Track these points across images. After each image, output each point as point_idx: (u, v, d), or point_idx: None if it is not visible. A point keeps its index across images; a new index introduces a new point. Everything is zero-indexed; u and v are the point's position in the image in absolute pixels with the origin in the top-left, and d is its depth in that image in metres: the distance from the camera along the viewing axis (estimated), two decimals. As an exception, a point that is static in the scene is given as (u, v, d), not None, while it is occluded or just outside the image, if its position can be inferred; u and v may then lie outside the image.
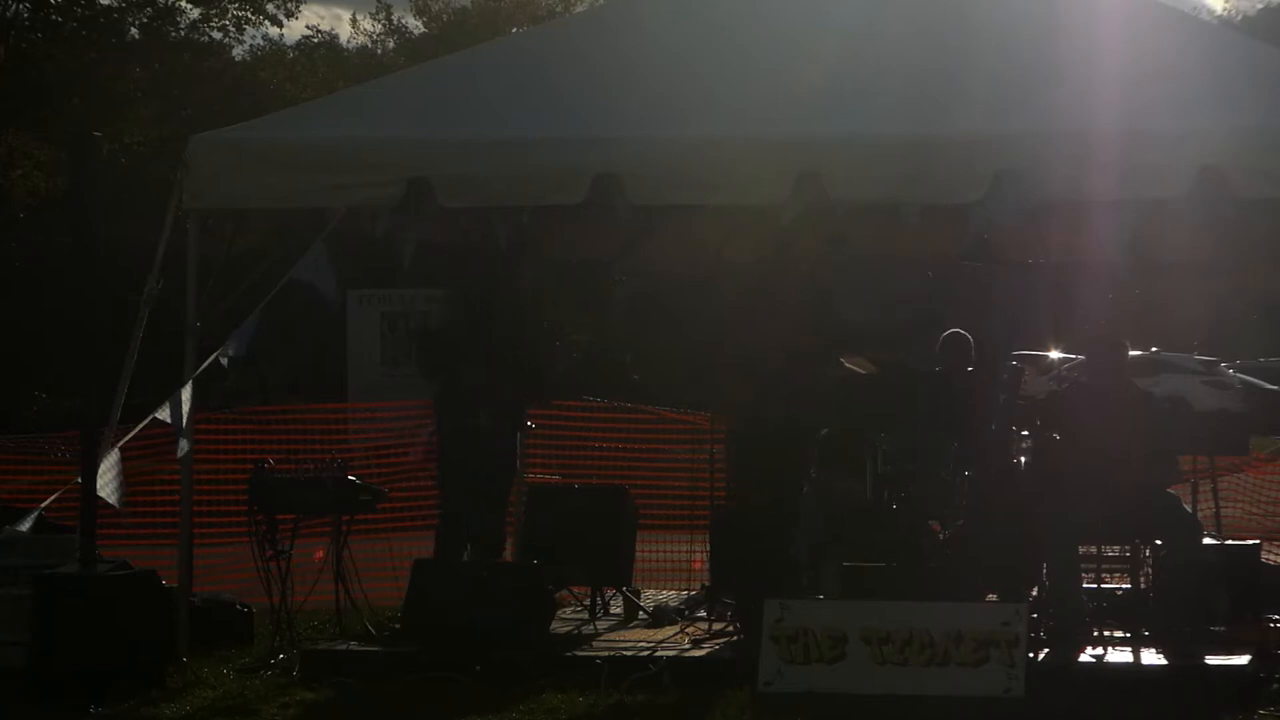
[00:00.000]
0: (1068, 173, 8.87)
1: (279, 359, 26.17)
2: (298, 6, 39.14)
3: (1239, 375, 27.66)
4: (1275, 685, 8.52)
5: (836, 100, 9.38)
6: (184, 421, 9.25)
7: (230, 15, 38.64)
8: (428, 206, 9.39)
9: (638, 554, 11.33)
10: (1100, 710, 8.26)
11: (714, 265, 11.57)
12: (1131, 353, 10.51)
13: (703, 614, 10.45)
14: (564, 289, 26.47)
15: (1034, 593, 9.41)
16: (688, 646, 9.67)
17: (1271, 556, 11.81)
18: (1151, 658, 8.90)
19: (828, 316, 10.21)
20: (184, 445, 9.42)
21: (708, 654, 9.50)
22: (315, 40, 48.99)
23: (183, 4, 38.29)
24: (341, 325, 21.74)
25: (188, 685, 9.00)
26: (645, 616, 10.64)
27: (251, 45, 44.60)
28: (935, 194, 9.18)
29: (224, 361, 9.48)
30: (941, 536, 9.86)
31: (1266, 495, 14.97)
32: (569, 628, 10.31)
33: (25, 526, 9.88)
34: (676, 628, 10.18)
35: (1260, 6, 57.22)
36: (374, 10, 70.60)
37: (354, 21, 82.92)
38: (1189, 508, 9.91)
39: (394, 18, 51.95)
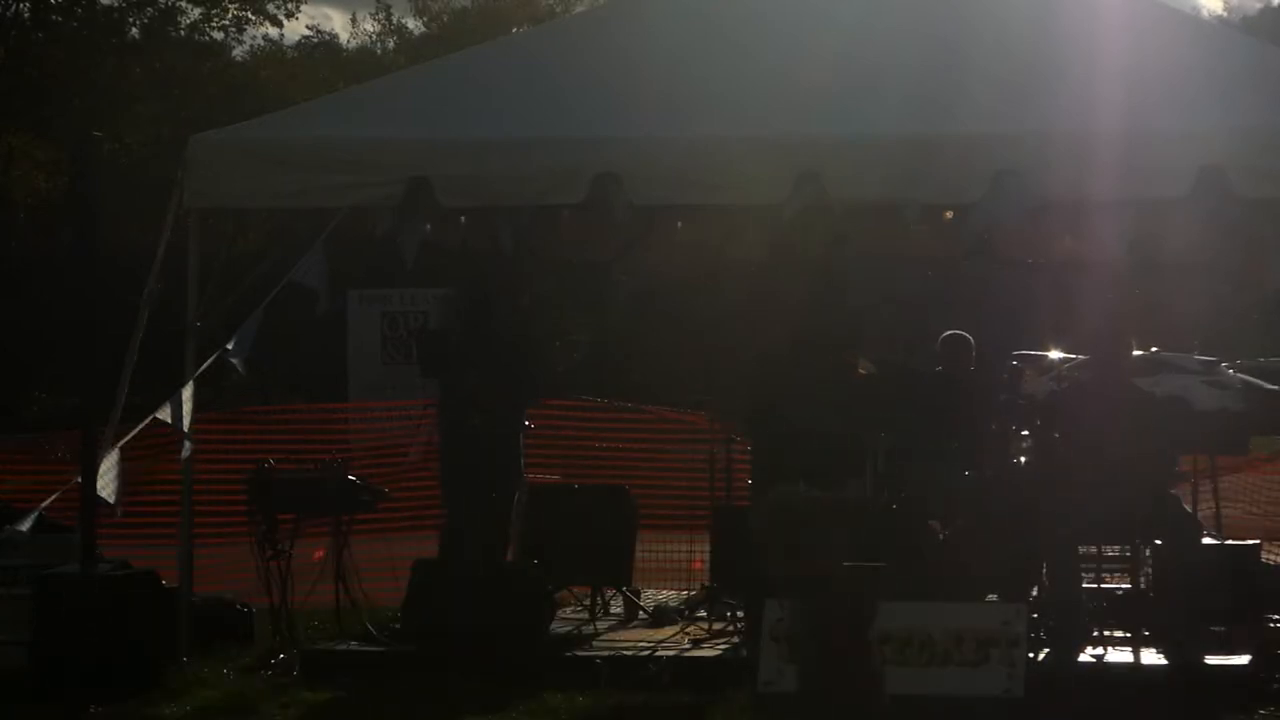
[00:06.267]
0: (1068, 173, 8.87)
1: (279, 359, 26.16)
2: (298, 6, 39.18)
3: (1239, 375, 27.64)
4: (1275, 685, 8.52)
5: (836, 100, 9.38)
6: (185, 422, 9.25)
7: (230, 15, 38.67)
8: (428, 206, 9.40)
9: (638, 554, 11.32)
10: (1100, 710, 8.26)
11: (715, 265, 11.57)
12: (1133, 352, 10.52)
13: (703, 614, 10.45)
14: (564, 289, 26.46)
15: (1034, 593, 9.41)
16: (688, 646, 9.67)
17: (1271, 556, 11.80)
18: (1151, 658, 8.89)
19: (841, 307, 10.15)
20: (187, 446, 9.44)
21: (708, 654, 9.51)
22: (315, 40, 49.05)
23: (183, 4, 38.32)
24: (342, 325, 21.73)
25: (188, 685, 9.00)
26: (645, 616, 10.64)
27: (251, 45, 44.62)
28: (935, 194, 9.19)
29: (237, 364, 9.47)
30: (941, 536, 9.86)
31: (1266, 495, 14.96)
32: (569, 628, 10.31)
33: (25, 526, 9.88)
34: (676, 628, 10.18)
35: (1260, 6, 57.26)
36: (374, 10, 70.66)
37: (354, 21, 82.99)
38: (1189, 508, 9.91)
39: (394, 18, 52.01)
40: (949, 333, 10.84)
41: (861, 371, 10.35)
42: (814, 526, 8.45)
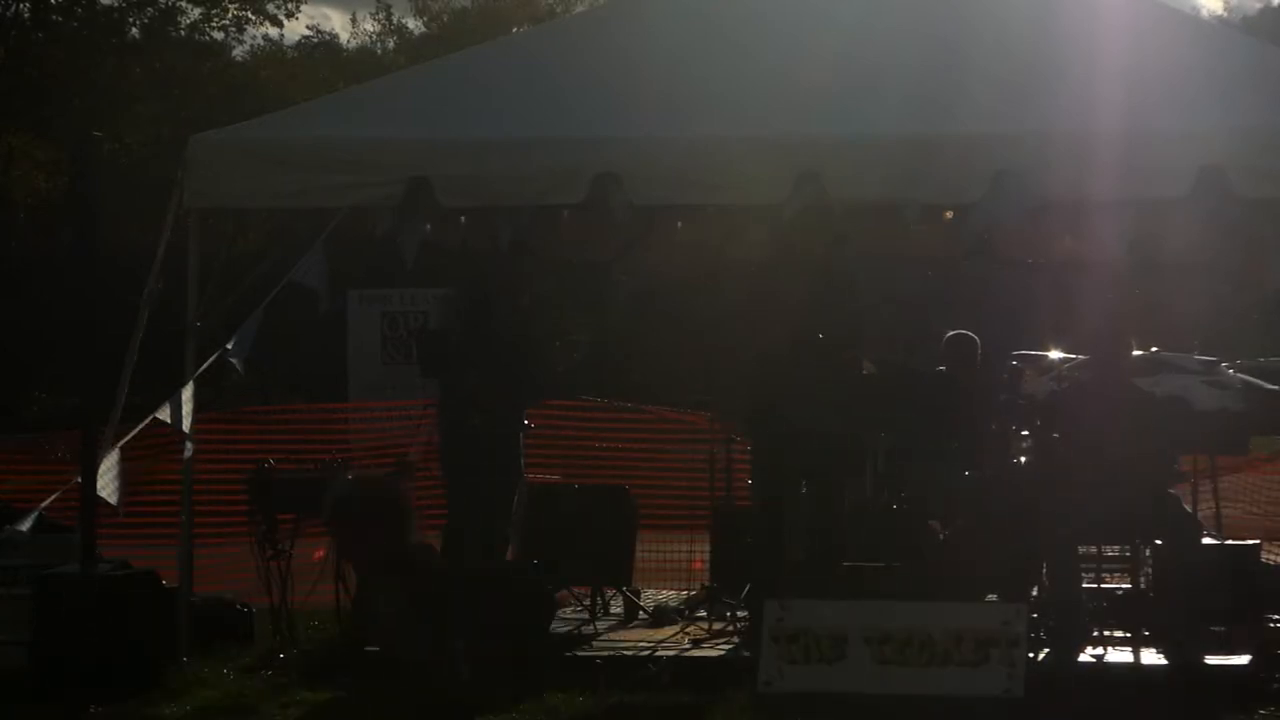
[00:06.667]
0: (1068, 173, 8.87)
1: (280, 359, 26.19)
2: (298, 6, 39.16)
3: (1239, 375, 27.60)
4: (1275, 685, 8.53)
5: (836, 100, 9.38)
6: (185, 422, 9.25)
7: (230, 15, 38.67)
8: (428, 206, 9.40)
9: (638, 554, 11.32)
10: (1100, 710, 8.26)
11: (715, 265, 11.57)
12: (1133, 352, 10.52)
13: (703, 614, 10.45)
14: (564, 289, 26.43)
15: (1034, 593, 9.41)
16: (688, 646, 9.67)
17: (1271, 556, 11.80)
18: (1151, 658, 8.90)
19: (842, 308, 10.13)
20: (189, 447, 9.45)
21: (708, 654, 9.51)
22: (315, 40, 49.06)
23: (183, 4, 38.32)
24: (342, 325, 21.73)
25: (188, 685, 9.00)
26: (645, 616, 10.64)
27: (251, 45, 44.62)
28: (935, 194, 9.19)
29: (237, 364, 9.47)
30: (941, 536, 9.87)
31: (1266, 495, 14.96)
32: (569, 628, 10.31)
33: (25, 526, 9.88)
34: (676, 628, 10.19)
35: (1260, 6, 57.27)
36: (374, 10, 70.68)
37: (354, 21, 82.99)
38: (1189, 508, 9.91)
39: (394, 18, 52.01)
40: (954, 332, 10.85)
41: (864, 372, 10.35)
42: (383, 512, 8.54)
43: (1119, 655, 8.97)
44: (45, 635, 8.82)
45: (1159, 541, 9.31)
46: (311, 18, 72.30)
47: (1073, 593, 9.21)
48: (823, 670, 8.44)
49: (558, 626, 10.15)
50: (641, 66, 9.86)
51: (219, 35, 39.38)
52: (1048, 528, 9.13)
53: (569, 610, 10.80)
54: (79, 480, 9.04)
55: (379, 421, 17.40)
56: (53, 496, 10.27)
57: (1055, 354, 22.26)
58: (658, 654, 9.29)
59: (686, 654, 9.45)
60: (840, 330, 9.92)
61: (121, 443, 9.48)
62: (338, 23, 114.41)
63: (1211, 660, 8.81)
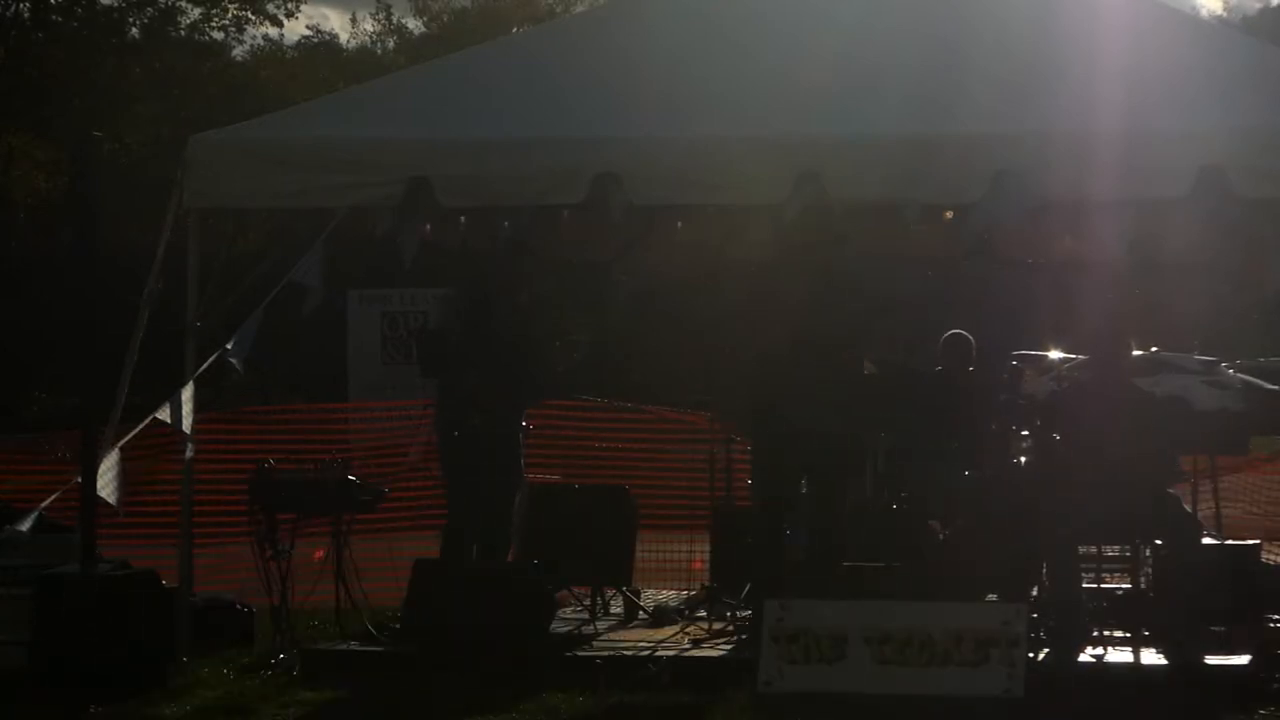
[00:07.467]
0: (1068, 173, 8.87)
1: (280, 359, 26.20)
2: (298, 6, 39.19)
3: (1239, 375, 27.60)
4: (1275, 685, 8.53)
5: (836, 100, 9.38)
6: (185, 422, 9.25)
7: (230, 15, 38.69)
8: (428, 206, 9.40)
9: (638, 554, 11.33)
10: (1100, 710, 8.26)
11: (715, 265, 11.56)
12: (1133, 352, 10.52)
13: (703, 614, 10.45)
14: (564, 289, 26.42)
15: (1034, 593, 9.41)
16: (688, 646, 9.67)
17: (1271, 556, 11.80)
18: (1151, 658, 8.90)
19: (842, 308, 10.12)
20: (190, 448, 9.45)
21: (708, 654, 9.51)
22: (315, 40, 49.08)
23: (183, 4, 38.34)
24: (342, 325, 21.74)
25: (188, 685, 9.01)
26: (645, 616, 10.64)
27: (251, 45, 44.63)
28: (935, 194, 9.19)
29: (236, 364, 9.47)
30: (941, 536, 9.86)
31: (1266, 495, 14.97)
32: (569, 628, 10.31)
33: (25, 526, 9.88)
34: (676, 628, 10.19)
35: (1260, 6, 57.29)
36: (374, 10, 70.70)
37: (354, 21, 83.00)
38: (1189, 508, 9.91)
39: (394, 18, 52.03)
40: (950, 333, 10.86)
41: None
42: None
43: (1119, 655, 8.97)
44: (45, 635, 8.82)
45: (1159, 541, 9.31)
46: (311, 18, 72.44)
47: (1073, 593, 9.21)
48: (823, 670, 8.44)
49: (558, 626, 10.15)
50: (641, 66, 9.86)
51: (219, 35, 39.47)
52: (1048, 528, 9.13)
53: (569, 610, 10.80)
54: (79, 480, 9.04)
55: (379, 421, 17.42)
56: (53, 496, 10.27)
57: (1055, 354, 22.26)
58: (658, 654, 9.29)
59: (686, 654, 9.44)
60: (840, 330, 9.91)
61: (121, 443, 9.48)
62: (337, 23, 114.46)
63: (1211, 660, 8.81)
